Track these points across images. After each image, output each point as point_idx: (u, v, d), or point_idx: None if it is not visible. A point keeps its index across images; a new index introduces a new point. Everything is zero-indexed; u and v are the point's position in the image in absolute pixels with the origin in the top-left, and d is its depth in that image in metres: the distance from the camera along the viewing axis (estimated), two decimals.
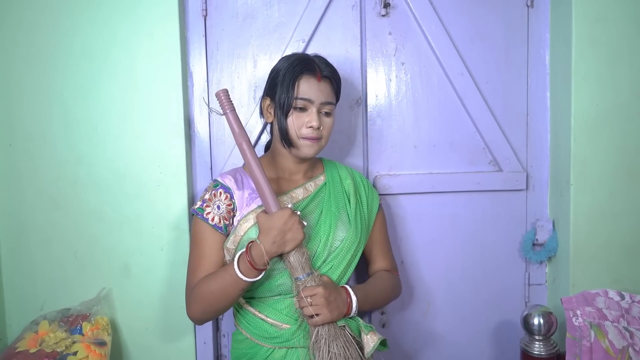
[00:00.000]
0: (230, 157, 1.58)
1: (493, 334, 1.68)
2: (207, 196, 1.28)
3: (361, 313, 1.33)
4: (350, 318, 1.23)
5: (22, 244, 1.50)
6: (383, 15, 1.57)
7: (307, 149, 1.27)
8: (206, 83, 1.57)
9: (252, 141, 1.57)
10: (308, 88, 1.25)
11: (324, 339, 1.16)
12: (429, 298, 1.66)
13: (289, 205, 1.21)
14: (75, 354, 1.35)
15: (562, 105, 1.55)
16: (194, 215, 1.28)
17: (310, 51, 1.55)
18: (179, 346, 1.54)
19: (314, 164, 1.40)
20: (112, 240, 1.51)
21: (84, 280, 1.51)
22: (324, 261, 1.27)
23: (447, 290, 1.66)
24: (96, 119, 1.48)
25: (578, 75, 1.49)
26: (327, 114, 1.29)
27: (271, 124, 1.35)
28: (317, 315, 1.15)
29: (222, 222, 1.27)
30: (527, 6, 1.60)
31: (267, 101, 1.32)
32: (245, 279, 1.15)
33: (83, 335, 1.41)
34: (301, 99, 1.25)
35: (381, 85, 1.60)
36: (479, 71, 1.60)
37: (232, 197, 1.28)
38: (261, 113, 1.36)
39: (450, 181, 1.61)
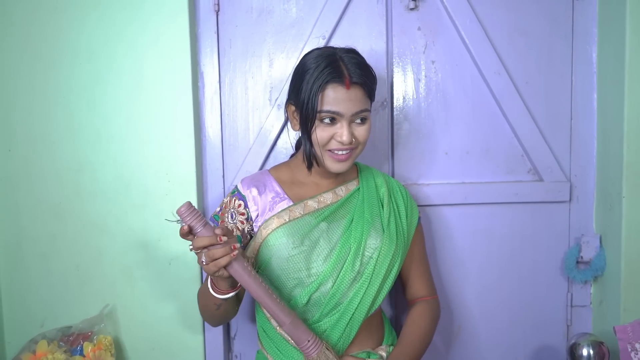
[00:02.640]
0: (244, 163, 1.49)
1: (531, 359, 1.55)
2: (225, 201, 1.26)
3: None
4: None
5: (21, 256, 1.45)
6: (411, 9, 1.47)
7: (336, 165, 1.17)
8: (218, 84, 1.48)
9: (268, 146, 1.48)
10: (335, 99, 1.12)
11: None
12: (459, 319, 1.55)
13: (315, 205, 1.19)
14: None
15: (613, 108, 1.42)
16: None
17: None
18: None
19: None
20: (116, 254, 1.45)
21: (86, 296, 1.45)
22: (355, 277, 1.17)
23: (480, 311, 1.55)
24: (100, 123, 1.42)
25: (633, 75, 1.36)
26: (363, 121, 1.16)
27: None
28: None
29: (236, 231, 1.23)
30: None
31: (292, 108, 1.20)
32: (215, 295, 1.12)
33: (84, 356, 1.35)
34: (328, 111, 1.12)
35: (409, 86, 1.50)
36: (517, 70, 1.49)
37: (246, 206, 1.23)
38: (286, 118, 1.26)
39: (484, 192, 1.51)
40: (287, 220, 1.19)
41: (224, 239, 1.01)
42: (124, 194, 1.42)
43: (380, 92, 1.48)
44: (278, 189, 1.24)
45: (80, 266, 1.44)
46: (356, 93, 1.13)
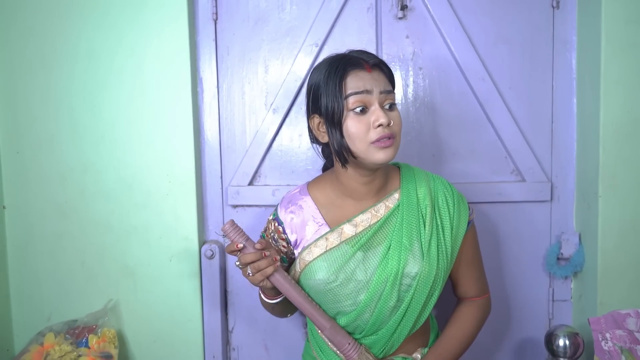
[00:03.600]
0: (241, 165, 1.54)
1: (514, 351, 1.61)
2: (269, 220, 1.25)
3: None
4: None
5: (29, 253, 1.50)
6: (400, 18, 1.51)
7: (382, 154, 1.06)
8: (216, 89, 1.53)
9: (264, 148, 1.53)
10: (360, 81, 1.06)
11: None
12: (447, 314, 1.59)
13: (349, 232, 1.15)
14: None
15: (590, 112, 1.47)
16: None
17: (324, 55, 1.50)
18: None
19: (387, 176, 1.20)
20: (119, 251, 1.49)
21: (91, 291, 1.50)
22: (395, 306, 1.14)
23: None
24: (103, 126, 1.46)
25: (608, 80, 1.40)
26: (392, 107, 1.09)
27: (327, 144, 1.16)
28: None
29: (279, 251, 1.23)
30: (553, 7, 1.52)
31: (316, 119, 1.13)
32: (267, 300, 1.21)
33: (89, 348, 1.40)
34: (355, 93, 1.05)
35: (398, 91, 1.54)
36: (501, 76, 1.53)
37: (284, 232, 1.21)
38: (313, 138, 1.19)
39: (470, 191, 1.54)
40: (324, 250, 1.15)
41: (267, 253, 1.09)
42: (127, 194, 1.47)
43: None
44: (315, 212, 1.18)
45: (85, 263, 1.49)
46: (379, 74, 1.09)
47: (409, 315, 1.15)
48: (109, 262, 1.49)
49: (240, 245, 1.08)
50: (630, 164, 1.42)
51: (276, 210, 1.24)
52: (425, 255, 1.13)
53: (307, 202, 1.20)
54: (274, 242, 1.24)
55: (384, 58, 1.53)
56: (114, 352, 1.41)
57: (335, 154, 1.11)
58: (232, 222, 1.10)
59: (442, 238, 1.16)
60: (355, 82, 1.07)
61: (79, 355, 1.36)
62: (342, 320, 1.17)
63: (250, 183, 1.54)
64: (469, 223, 1.21)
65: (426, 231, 1.15)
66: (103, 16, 1.44)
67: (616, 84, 1.40)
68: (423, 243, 1.14)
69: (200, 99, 1.53)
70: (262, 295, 1.22)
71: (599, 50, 1.41)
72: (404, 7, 1.50)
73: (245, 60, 1.53)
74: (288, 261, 1.25)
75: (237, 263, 1.11)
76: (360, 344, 1.16)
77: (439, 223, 1.17)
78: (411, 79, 1.54)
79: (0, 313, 1.47)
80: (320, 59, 1.26)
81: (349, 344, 1.13)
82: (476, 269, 1.28)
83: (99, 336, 1.41)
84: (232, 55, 1.53)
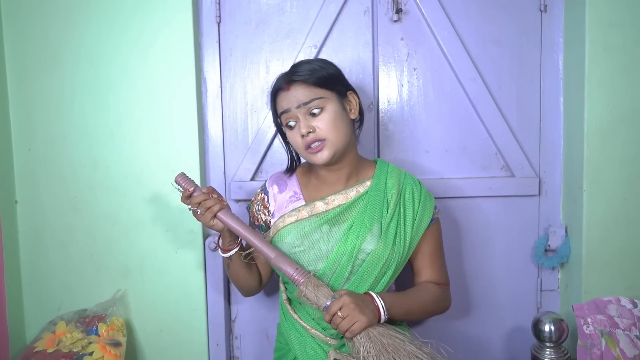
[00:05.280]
0: (244, 161, 1.60)
1: (505, 339, 1.68)
2: (256, 193, 1.40)
3: None
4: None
5: (41, 246, 1.54)
6: (395, 21, 1.58)
7: (316, 157, 1.24)
8: (220, 89, 1.59)
9: (266, 145, 1.59)
10: (281, 102, 1.25)
11: (368, 347, 1.12)
12: None
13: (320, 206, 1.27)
14: (91, 354, 1.38)
15: (576, 111, 1.54)
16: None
17: (322, 56, 1.56)
18: (192, 347, 1.57)
19: (359, 167, 1.34)
20: (127, 243, 1.54)
21: (100, 282, 1.55)
22: (348, 277, 1.24)
23: (458, 296, 1.64)
24: (112, 124, 1.51)
25: (591, 81, 1.48)
26: (319, 111, 1.22)
27: None
28: (354, 324, 1.12)
29: (259, 221, 1.37)
30: (540, 11, 1.59)
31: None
32: (222, 255, 1.32)
33: (99, 335, 1.45)
34: (281, 113, 1.25)
35: (393, 91, 1.61)
36: (491, 76, 1.59)
37: (268, 200, 1.36)
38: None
39: (462, 186, 1.61)
40: (295, 220, 1.28)
41: (214, 195, 1.24)
42: (135, 189, 1.52)
43: (367, 96, 1.60)
44: (297, 188, 1.34)
45: (95, 255, 1.54)
46: (296, 89, 1.23)
47: (361, 288, 1.23)
48: (118, 254, 1.54)
49: (191, 189, 1.23)
50: (612, 160, 1.50)
51: (265, 183, 1.40)
52: (382, 235, 1.25)
53: (292, 181, 1.36)
54: (257, 210, 1.37)
55: (380, 59, 1.59)
56: (123, 339, 1.46)
57: (292, 159, 1.36)
58: (183, 174, 1.26)
59: (402, 224, 1.28)
60: (280, 102, 1.26)
61: (90, 343, 1.41)
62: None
63: (252, 178, 1.60)
64: (432, 219, 1.32)
65: (387, 215, 1.27)
66: (112, 19, 1.49)
67: (599, 84, 1.48)
68: (383, 225, 1.26)
69: (204, 98, 1.58)
70: (220, 252, 1.32)
71: (583, 52, 1.48)
72: (399, 11, 1.57)
73: (247, 61, 1.59)
74: (266, 229, 1.36)
75: (189, 207, 1.24)
76: (309, 272, 1.20)
77: (402, 211, 1.29)
78: (406, 79, 1.60)
79: (13, 303, 1.51)
80: None
81: (296, 269, 1.18)
82: (437, 261, 1.36)
83: (108, 325, 1.47)
84: (234, 56, 1.59)
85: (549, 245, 1.61)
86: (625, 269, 1.52)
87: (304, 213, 1.29)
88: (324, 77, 1.24)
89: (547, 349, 1.39)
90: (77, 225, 1.53)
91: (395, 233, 1.26)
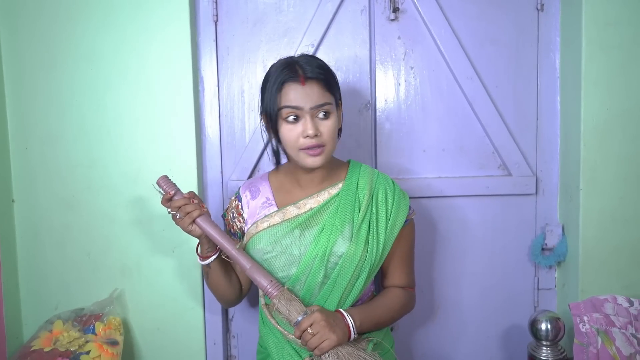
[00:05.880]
0: (241, 160, 1.60)
1: (502, 338, 1.69)
2: (230, 203, 1.37)
3: None
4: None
5: (38, 245, 1.54)
6: (392, 20, 1.58)
7: (310, 160, 1.19)
8: (217, 88, 1.59)
9: (262, 144, 1.59)
10: (293, 95, 1.16)
11: None
12: (437, 302, 1.67)
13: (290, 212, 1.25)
14: (88, 353, 1.38)
15: (572, 110, 1.54)
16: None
17: (319, 55, 1.57)
18: (189, 346, 1.57)
19: (333, 169, 1.31)
20: (124, 242, 1.54)
21: (97, 281, 1.55)
22: (322, 282, 1.23)
23: (456, 295, 1.67)
24: (109, 123, 1.51)
25: (588, 80, 1.48)
26: (325, 116, 1.19)
27: None
28: (323, 342, 1.12)
29: (235, 228, 1.35)
30: (537, 10, 1.60)
31: (264, 116, 1.25)
32: (201, 262, 1.29)
33: (96, 334, 1.44)
34: (287, 107, 1.16)
35: (390, 90, 1.61)
36: (488, 75, 1.60)
37: (241, 207, 1.34)
38: (263, 129, 1.33)
39: (459, 185, 1.61)
40: (267, 226, 1.27)
41: (195, 200, 1.22)
42: (132, 188, 1.52)
43: (364, 95, 1.60)
44: (269, 194, 1.32)
45: (92, 253, 1.54)
46: (312, 87, 1.16)
47: (335, 292, 1.22)
48: (114, 254, 1.54)
49: (172, 192, 1.22)
50: (609, 159, 1.50)
51: (238, 190, 1.38)
52: (354, 237, 1.23)
53: (264, 186, 1.34)
54: (231, 218, 1.36)
55: (377, 58, 1.59)
56: (120, 338, 1.46)
57: (272, 152, 1.29)
58: (165, 177, 1.25)
59: (374, 225, 1.25)
60: (288, 95, 1.17)
61: (87, 341, 1.41)
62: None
63: (250, 177, 1.60)
64: (407, 220, 1.30)
65: (359, 216, 1.25)
66: (108, 18, 1.49)
67: (596, 84, 1.48)
68: (355, 226, 1.24)
69: (202, 97, 1.58)
70: (199, 260, 1.29)
71: (580, 51, 1.49)
72: (396, 10, 1.57)
73: (244, 60, 1.59)
74: (242, 236, 1.35)
75: (169, 210, 1.22)
76: (283, 285, 1.20)
77: (374, 212, 1.26)
78: (403, 78, 1.60)
79: (10, 302, 1.51)
80: None
81: (270, 281, 1.18)
82: (407, 263, 1.35)
83: (105, 324, 1.46)
84: (231, 55, 1.59)
85: (546, 244, 1.61)
86: (621, 268, 1.52)
87: (276, 219, 1.27)
88: (335, 82, 1.23)
89: (544, 348, 1.39)
90: (74, 224, 1.53)
91: (368, 234, 1.24)
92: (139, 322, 1.56)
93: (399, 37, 1.59)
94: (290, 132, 1.19)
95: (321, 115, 1.19)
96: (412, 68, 1.60)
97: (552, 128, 1.63)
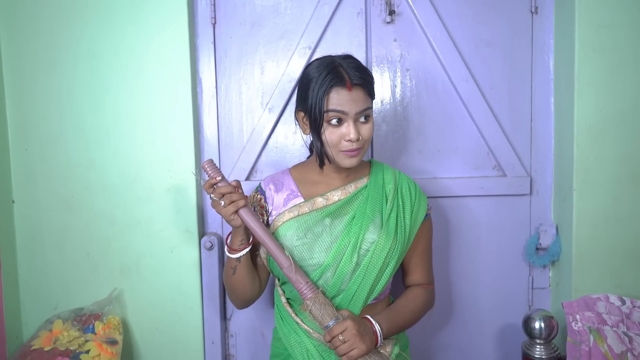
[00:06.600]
0: (239, 161, 1.61)
1: (496, 337, 1.70)
2: (250, 196, 1.36)
3: None
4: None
5: (37, 245, 1.55)
6: (388, 22, 1.60)
7: (348, 161, 1.23)
8: (215, 89, 1.60)
9: (261, 145, 1.60)
10: (339, 100, 1.19)
11: None
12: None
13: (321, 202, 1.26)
14: (87, 352, 1.40)
15: (566, 111, 1.56)
16: None
17: (317, 57, 1.57)
18: (187, 345, 1.58)
19: (358, 166, 1.34)
20: (123, 243, 1.55)
21: (97, 280, 1.56)
22: (354, 269, 1.24)
23: (451, 294, 1.68)
24: (108, 124, 1.52)
25: (581, 81, 1.50)
26: (366, 120, 1.23)
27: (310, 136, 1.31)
28: (353, 350, 1.14)
29: None
30: (532, 12, 1.61)
31: (302, 114, 1.27)
32: (230, 255, 1.26)
33: (95, 334, 1.46)
34: (333, 111, 1.19)
35: (386, 91, 1.63)
36: (483, 77, 1.61)
37: (265, 200, 1.34)
38: (297, 124, 1.33)
39: (454, 186, 1.63)
40: (296, 215, 1.28)
41: (240, 190, 1.21)
42: (130, 189, 1.53)
43: None
44: (293, 187, 1.33)
45: (91, 254, 1.55)
46: (357, 93, 1.20)
47: (367, 280, 1.24)
48: (113, 254, 1.55)
49: (218, 178, 1.20)
50: (602, 160, 1.52)
51: (259, 184, 1.38)
52: (384, 225, 1.27)
53: (288, 180, 1.35)
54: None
55: (373, 60, 1.61)
56: (119, 337, 1.47)
57: (317, 154, 1.27)
58: (211, 160, 1.22)
59: (401, 215, 1.30)
60: (336, 99, 1.19)
61: (86, 341, 1.42)
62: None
63: (248, 178, 1.62)
64: (426, 215, 1.35)
65: (387, 206, 1.29)
66: (108, 20, 1.50)
67: (589, 85, 1.50)
68: (384, 215, 1.28)
69: (200, 98, 1.60)
70: (227, 253, 1.26)
71: (573, 53, 1.50)
72: (392, 12, 1.59)
73: (242, 62, 1.60)
74: None
75: (213, 196, 1.19)
76: (318, 288, 1.21)
77: (400, 204, 1.31)
78: (399, 80, 1.62)
79: (10, 302, 1.52)
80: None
81: (307, 282, 1.19)
82: (427, 260, 1.39)
83: (104, 323, 1.48)
84: (229, 57, 1.60)
85: (540, 244, 1.63)
86: (614, 267, 1.54)
87: (305, 209, 1.29)
88: (373, 89, 1.26)
89: (538, 346, 1.41)
90: (73, 225, 1.54)
91: (396, 224, 1.28)
92: (138, 321, 1.57)
93: (395, 40, 1.61)
94: (333, 134, 1.21)
95: (362, 119, 1.22)
96: (407, 70, 1.62)
97: (546, 129, 1.64)
